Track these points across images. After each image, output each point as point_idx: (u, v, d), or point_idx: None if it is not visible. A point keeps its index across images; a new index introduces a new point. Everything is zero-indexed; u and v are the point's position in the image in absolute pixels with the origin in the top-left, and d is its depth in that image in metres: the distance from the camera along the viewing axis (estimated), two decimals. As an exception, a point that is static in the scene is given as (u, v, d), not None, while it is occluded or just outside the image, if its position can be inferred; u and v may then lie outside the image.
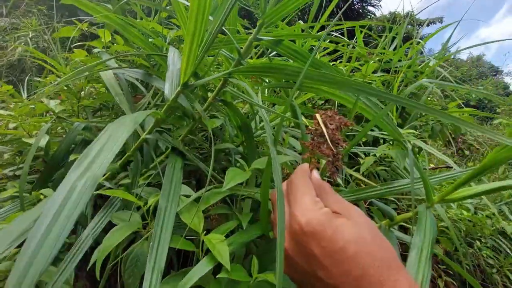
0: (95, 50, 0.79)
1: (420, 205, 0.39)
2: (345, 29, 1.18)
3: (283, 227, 0.26)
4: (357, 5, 11.11)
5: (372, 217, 0.60)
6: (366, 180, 0.50)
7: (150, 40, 0.68)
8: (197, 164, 0.49)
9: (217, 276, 0.31)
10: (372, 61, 1.21)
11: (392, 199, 0.81)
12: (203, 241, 0.34)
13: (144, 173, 0.58)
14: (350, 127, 0.32)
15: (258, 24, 0.47)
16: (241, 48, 0.49)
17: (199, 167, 0.55)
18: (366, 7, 11.42)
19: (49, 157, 0.71)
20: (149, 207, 0.39)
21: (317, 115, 0.30)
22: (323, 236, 0.25)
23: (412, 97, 1.00)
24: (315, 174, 0.32)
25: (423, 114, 1.19)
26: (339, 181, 0.64)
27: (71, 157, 0.60)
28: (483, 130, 0.29)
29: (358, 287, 0.24)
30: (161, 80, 0.57)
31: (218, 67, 0.91)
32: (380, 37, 1.24)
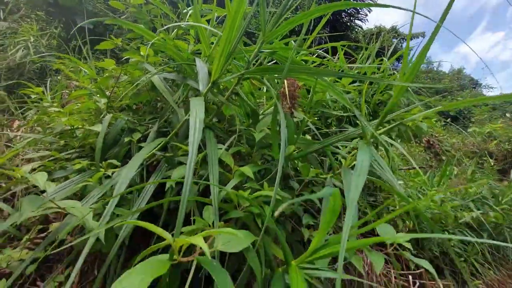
0: (132, 60, 1.02)
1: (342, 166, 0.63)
2: (330, 38, 1.46)
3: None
4: (345, 19, 11.69)
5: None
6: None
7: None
8: (221, 135, 0.72)
9: (244, 185, 0.54)
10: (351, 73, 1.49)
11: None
12: (235, 171, 0.57)
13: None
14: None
15: (259, 41, 0.72)
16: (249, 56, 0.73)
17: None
18: (353, 20, 12.04)
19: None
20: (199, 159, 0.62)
21: (285, 81, 0.57)
22: None
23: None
24: None
25: (393, 118, 1.46)
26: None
27: (126, 139, 0.81)
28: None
29: None
30: (192, 80, 0.80)
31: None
32: (366, 48, 1.53)
